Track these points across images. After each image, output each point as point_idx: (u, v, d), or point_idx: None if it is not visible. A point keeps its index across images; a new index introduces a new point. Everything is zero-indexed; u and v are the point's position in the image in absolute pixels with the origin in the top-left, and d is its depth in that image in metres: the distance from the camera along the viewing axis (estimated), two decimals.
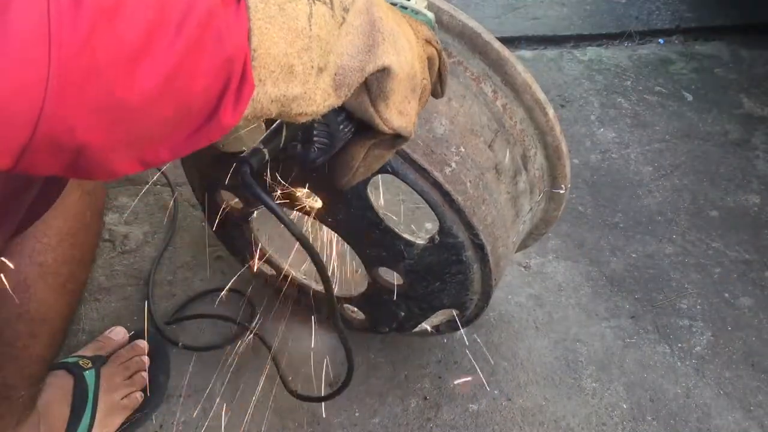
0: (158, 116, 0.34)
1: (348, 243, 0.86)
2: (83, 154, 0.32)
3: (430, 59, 0.55)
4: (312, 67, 0.41)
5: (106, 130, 0.32)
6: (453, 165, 0.72)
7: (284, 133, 0.54)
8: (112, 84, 0.30)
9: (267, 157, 0.54)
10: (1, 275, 0.70)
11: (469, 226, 0.74)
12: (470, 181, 0.73)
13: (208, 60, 0.34)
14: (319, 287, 1.07)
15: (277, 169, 0.75)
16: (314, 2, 0.41)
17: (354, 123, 0.52)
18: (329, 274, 0.68)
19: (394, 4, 0.60)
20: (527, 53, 1.93)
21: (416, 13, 0.60)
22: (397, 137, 0.52)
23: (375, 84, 0.48)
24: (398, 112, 0.50)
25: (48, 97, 0.28)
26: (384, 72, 0.47)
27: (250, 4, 0.36)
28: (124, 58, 0.30)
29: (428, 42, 0.54)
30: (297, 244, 1.08)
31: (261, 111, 0.39)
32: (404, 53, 0.48)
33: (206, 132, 0.37)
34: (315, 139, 0.53)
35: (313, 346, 1.11)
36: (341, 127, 0.52)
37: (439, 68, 0.57)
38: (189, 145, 0.37)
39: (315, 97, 0.43)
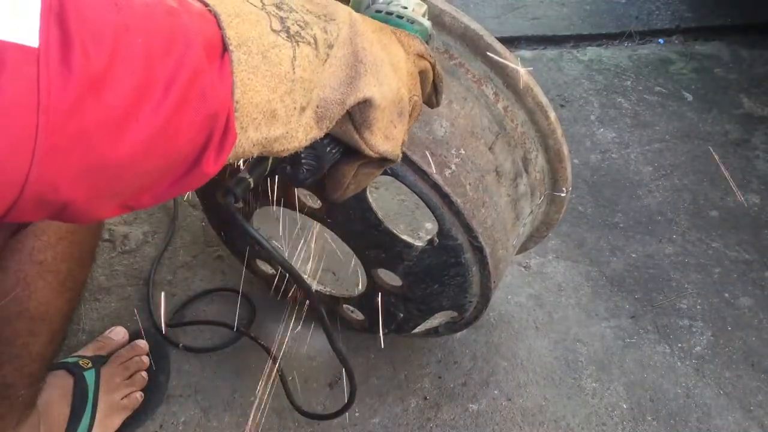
0: (141, 171, 0.34)
1: (347, 243, 0.86)
2: (68, 207, 0.33)
3: (423, 73, 0.56)
4: (295, 108, 0.42)
5: (91, 187, 0.32)
6: (453, 167, 0.72)
7: (270, 160, 0.55)
8: (98, 147, 0.31)
9: (252, 185, 0.54)
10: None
11: (469, 229, 0.74)
12: (470, 184, 0.73)
13: (192, 117, 0.35)
14: (319, 287, 1.07)
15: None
16: (298, 44, 0.41)
17: (341, 145, 0.52)
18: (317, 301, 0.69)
19: (390, 14, 0.60)
20: (527, 53, 1.93)
21: (412, 22, 0.60)
22: (385, 159, 0.53)
23: (358, 114, 0.48)
24: (384, 137, 0.50)
25: (35, 161, 0.28)
26: (366, 103, 0.47)
27: (233, 57, 0.37)
28: (111, 123, 0.31)
29: (421, 56, 0.54)
30: (297, 244, 1.08)
31: (243, 154, 0.40)
32: (388, 81, 0.48)
33: (188, 181, 0.38)
34: (303, 161, 0.53)
35: (313, 346, 1.11)
36: (328, 149, 0.52)
37: (434, 80, 0.57)
38: (171, 193, 0.38)
39: (297, 135, 0.43)
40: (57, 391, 0.92)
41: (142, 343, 1.04)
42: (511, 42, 1.95)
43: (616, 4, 2.15)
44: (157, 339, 1.08)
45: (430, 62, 0.56)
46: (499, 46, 0.74)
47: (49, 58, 0.28)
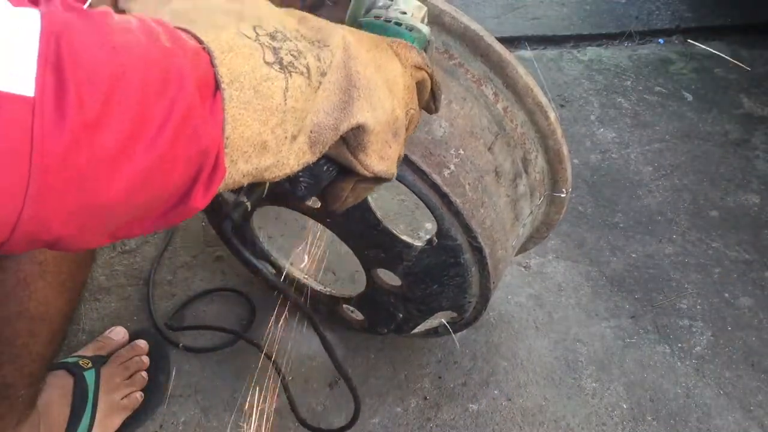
0: (132, 207, 0.35)
1: (346, 243, 0.86)
2: (59, 241, 0.34)
3: (421, 83, 0.56)
4: (286, 137, 0.43)
5: (83, 224, 0.33)
6: (452, 167, 0.72)
7: (267, 183, 0.55)
8: (90, 188, 0.32)
9: (250, 208, 0.55)
10: None
11: (468, 229, 0.74)
12: (469, 184, 0.73)
13: (183, 154, 0.35)
14: (319, 287, 1.07)
15: None
16: (291, 75, 0.41)
17: (337, 164, 0.53)
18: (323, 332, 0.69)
19: (389, 21, 0.60)
20: (527, 53, 1.93)
21: (410, 30, 0.60)
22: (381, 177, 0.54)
23: (352, 138, 0.49)
24: (379, 158, 0.51)
25: (27, 203, 0.29)
26: (359, 128, 0.48)
27: (225, 95, 0.37)
28: (104, 165, 0.32)
29: (418, 68, 0.55)
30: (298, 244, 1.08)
31: (233, 185, 0.41)
32: (382, 104, 0.49)
33: (177, 214, 0.39)
34: (301, 179, 0.54)
35: (313, 346, 1.11)
36: (325, 168, 0.53)
37: (431, 88, 0.58)
38: (160, 225, 0.39)
39: (288, 162, 0.44)
40: (57, 391, 0.92)
41: (142, 343, 1.04)
42: (511, 42, 1.95)
43: (616, 4, 2.14)
44: (157, 339, 1.08)
45: (427, 72, 0.56)
46: (499, 46, 0.74)
47: (44, 106, 0.29)
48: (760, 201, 1.49)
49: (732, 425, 1.08)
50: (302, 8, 0.78)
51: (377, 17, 0.62)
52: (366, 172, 0.51)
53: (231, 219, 0.55)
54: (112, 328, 1.07)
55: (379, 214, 0.77)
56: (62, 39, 0.30)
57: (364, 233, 0.81)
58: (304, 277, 1.08)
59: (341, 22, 0.73)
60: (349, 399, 1.03)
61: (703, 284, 1.30)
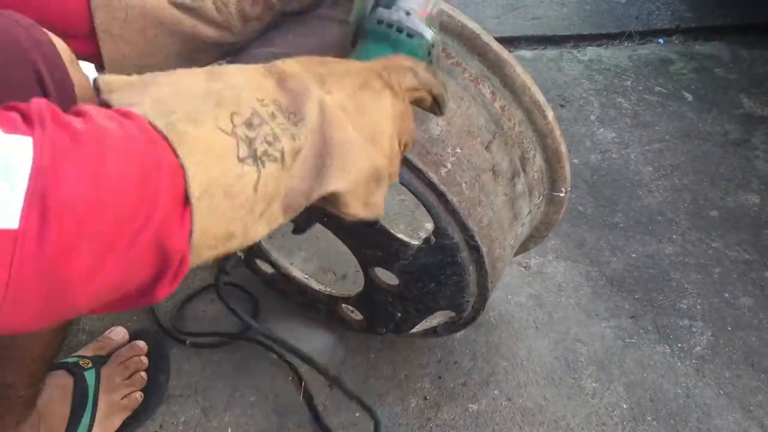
0: (97, 302, 0.38)
1: (344, 242, 0.86)
2: (29, 330, 0.37)
3: (419, 100, 0.58)
4: (253, 219, 0.45)
5: (50, 320, 0.37)
6: (448, 166, 0.72)
7: None
8: (60, 300, 0.35)
9: (243, 256, 0.56)
10: None
11: (464, 228, 0.73)
12: (466, 182, 0.73)
13: (150, 262, 0.39)
14: (319, 287, 1.07)
15: None
16: (264, 165, 0.43)
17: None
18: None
19: (391, 26, 0.60)
20: (527, 53, 1.93)
21: (412, 36, 0.60)
22: None
23: (330, 198, 0.50)
24: (362, 206, 0.53)
25: (2, 309, 0.32)
26: (333, 194, 0.49)
27: (194, 209, 0.40)
28: (74, 282, 0.35)
29: (414, 89, 0.56)
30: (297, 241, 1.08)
31: (198, 266, 0.43)
32: (358, 166, 0.50)
33: (142, 302, 0.42)
34: (297, 218, 0.55)
35: (313, 346, 1.11)
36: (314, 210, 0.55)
37: (434, 97, 0.59)
38: (126, 309, 0.43)
39: (257, 233, 0.46)
40: (57, 391, 0.93)
41: (142, 344, 1.04)
42: (511, 42, 1.95)
43: (616, 4, 2.15)
44: (158, 339, 1.08)
45: (424, 90, 0.57)
46: (496, 45, 0.74)
47: (26, 237, 0.32)
48: (760, 201, 1.49)
49: (732, 425, 1.08)
50: (301, 8, 0.79)
51: (380, 22, 0.61)
52: (352, 218, 0.53)
53: (225, 271, 0.57)
54: (112, 328, 1.07)
55: None
56: (49, 172, 0.33)
57: (360, 232, 0.81)
58: (304, 277, 1.08)
59: (341, 22, 0.73)
60: (350, 399, 1.04)
61: (703, 284, 1.30)
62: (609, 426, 1.06)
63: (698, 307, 1.25)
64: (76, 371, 0.95)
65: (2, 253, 0.31)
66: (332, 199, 0.51)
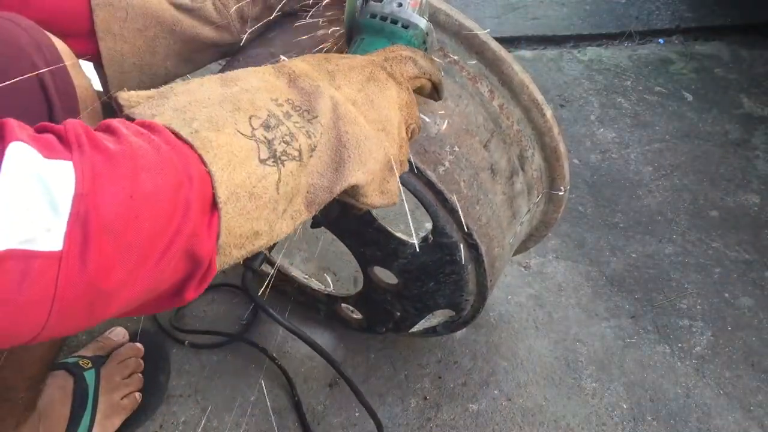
0: (130, 308, 0.41)
1: (343, 241, 0.86)
2: (69, 334, 0.40)
3: (420, 88, 0.60)
4: (277, 217, 0.47)
5: (87, 326, 0.39)
6: (447, 164, 0.72)
7: None
8: (99, 310, 0.37)
9: (268, 254, 0.59)
10: None
11: (463, 226, 0.73)
12: (464, 181, 0.73)
13: (179, 266, 0.41)
14: (319, 286, 1.07)
15: None
16: (283, 165, 0.45)
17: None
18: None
19: (384, 19, 0.61)
20: (527, 53, 1.93)
21: (406, 27, 0.61)
22: None
23: (350, 191, 0.53)
24: (379, 194, 0.55)
25: (44, 330, 0.35)
26: (354, 186, 0.52)
27: (222, 213, 0.41)
28: (111, 293, 0.37)
29: (416, 77, 0.59)
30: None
31: (227, 267, 0.45)
32: (373, 156, 0.53)
33: (171, 303, 0.44)
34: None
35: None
36: (335, 204, 0.57)
37: (433, 85, 0.62)
38: (156, 311, 0.45)
39: (282, 230, 0.48)
40: (57, 392, 0.93)
41: (139, 346, 1.04)
42: (511, 42, 1.95)
43: (616, 4, 2.15)
44: (158, 339, 1.08)
45: (425, 78, 0.60)
46: (494, 43, 0.74)
47: (70, 258, 0.34)
48: (760, 201, 1.49)
49: (732, 425, 1.07)
50: (300, 8, 0.79)
51: (374, 16, 0.62)
52: (369, 207, 0.56)
53: (251, 269, 0.59)
54: (113, 328, 1.07)
55: (374, 212, 0.77)
56: (90, 198, 0.35)
57: (359, 231, 0.81)
58: (304, 277, 1.08)
59: (339, 21, 0.73)
60: (350, 399, 1.04)
61: (703, 284, 1.30)
62: (609, 426, 1.06)
63: (698, 307, 1.25)
64: (76, 371, 0.95)
65: (49, 272, 0.33)
66: (351, 191, 0.52)
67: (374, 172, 0.53)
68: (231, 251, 0.44)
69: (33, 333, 0.35)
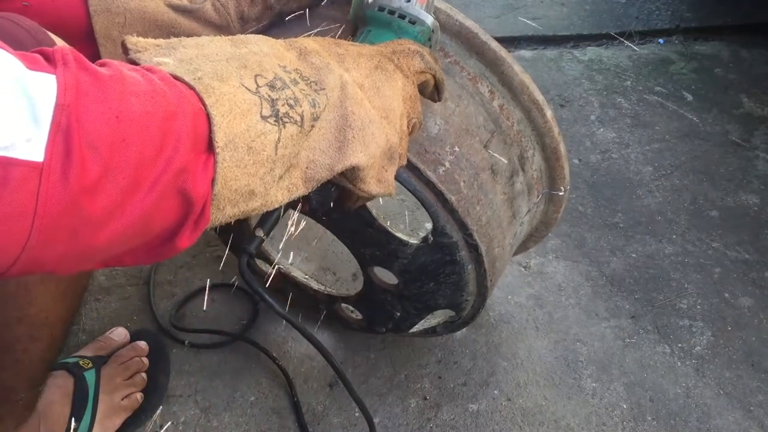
0: (120, 246, 0.39)
1: (343, 241, 0.86)
2: (53, 272, 0.38)
3: (424, 83, 0.60)
4: (273, 180, 0.46)
5: (74, 262, 0.37)
6: (447, 164, 0.72)
7: (281, 211, 0.59)
8: (82, 238, 0.36)
9: (265, 238, 0.59)
10: None
11: (463, 226, 0.73)
12: (464, 181, 0.73)
13: (172, 206, 0.39)
14: (319, 286, 1.07)
15: None
16: (284, 126, 0.45)
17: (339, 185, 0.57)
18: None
19: (393, 13, 0.61)
20: (527, 53, 1.93)
21: (414, 22, 0.61)
22: None
23: (349, 173, 0.53)
24: (377, 182, 0.55)
25: (25, 251, 0.33)
26: (354, 167, 0.52)
27: (218, 158, 0.41)
28: (97, 220, 0.35)
29: (421, 72, 0.59)
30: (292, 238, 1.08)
31: (219, 224, 0.44)
32: (376, 140, 0.53)
33: (164, 250, 0.43)
34: (312, 197, 0.59)
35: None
36: (332, 189, 0.59)
37: (435, 83, 0.62)
38: (150, 259, 0.43)
39: (276, 199, 0.48)
40: (57, 392, 0.92)
41: (143, 344, 1.04)
42: (511, 42, 1.95)
43: (616, 4, 2.15)
44: (158, 339, 1.08)
45: (430, 74, 0.60)
46: (494, 44, 0.74)
47: (51, 171, 0.32)
48: (760, 201, 1.49)
49: (732, 425, 1.07)
50: (300, 7, 0.79)
51: (381, 9, 0.62)
52: (365, 195, 0.55)
53: (249, 253, 0.59)
54: (113, 328, 1.07)
55: (374, 212, 0.77)
56: (72, 109, 0.33)
57: (359, 231, 0.81)
58: (305, 277, 1.08)
59: (339, 21, 0.73)
60: (350, 399, 1.04)
61: (703, 284, 1.30)
62: (609, 426, 1.06)
63: (698, 307, 1.25)
64: (76, 372, 0.95)
65: (29, 182, 0.32)
66: (350, 174, 0.52)
67: (375, 157, 0.53)
68: (225, 206, 0.43)
69: (13, 253, 0.33)
